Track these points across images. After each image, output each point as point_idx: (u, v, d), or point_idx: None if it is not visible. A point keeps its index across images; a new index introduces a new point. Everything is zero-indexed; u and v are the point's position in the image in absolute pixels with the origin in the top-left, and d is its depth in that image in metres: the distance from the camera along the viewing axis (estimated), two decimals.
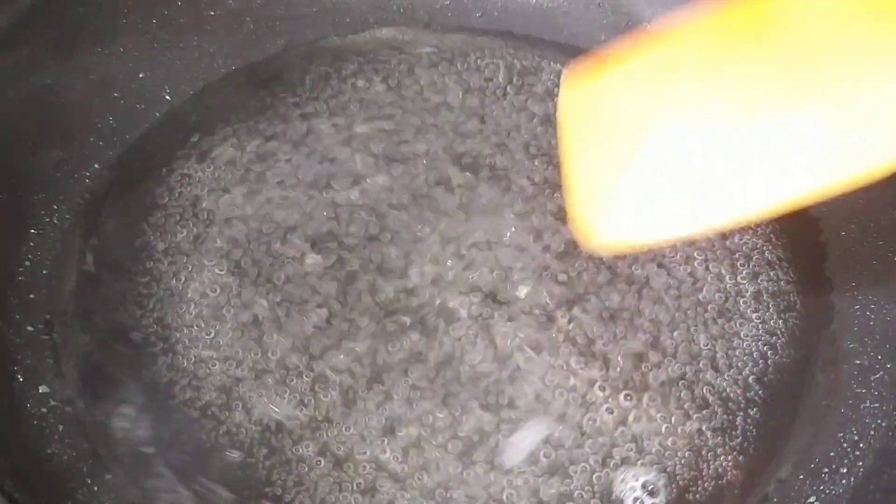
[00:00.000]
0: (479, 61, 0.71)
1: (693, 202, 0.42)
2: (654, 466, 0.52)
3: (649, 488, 0.51)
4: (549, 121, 0.67)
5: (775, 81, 0.40)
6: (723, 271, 0.60)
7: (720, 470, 0.52)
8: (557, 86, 0.69)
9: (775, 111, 0.40)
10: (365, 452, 0.52)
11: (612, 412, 0.53)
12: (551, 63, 0.71)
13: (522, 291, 0.58)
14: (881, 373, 0.55)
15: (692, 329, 0.57)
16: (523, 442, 0.52)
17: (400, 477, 0.51)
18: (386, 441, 0.52)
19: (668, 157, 0.42)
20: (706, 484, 0.52)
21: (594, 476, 0.51)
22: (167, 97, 0.68)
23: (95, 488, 0.50)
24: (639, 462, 0.52)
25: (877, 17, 0.39)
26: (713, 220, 0.42)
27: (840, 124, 0.39)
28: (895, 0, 0.38)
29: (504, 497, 0.51)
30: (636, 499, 0.51)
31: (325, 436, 0.52)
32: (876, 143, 0.39)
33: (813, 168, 0.39)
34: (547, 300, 0.57)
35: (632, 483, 0.51)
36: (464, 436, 0.52)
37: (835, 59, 0.39)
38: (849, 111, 0.39)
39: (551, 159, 0.64)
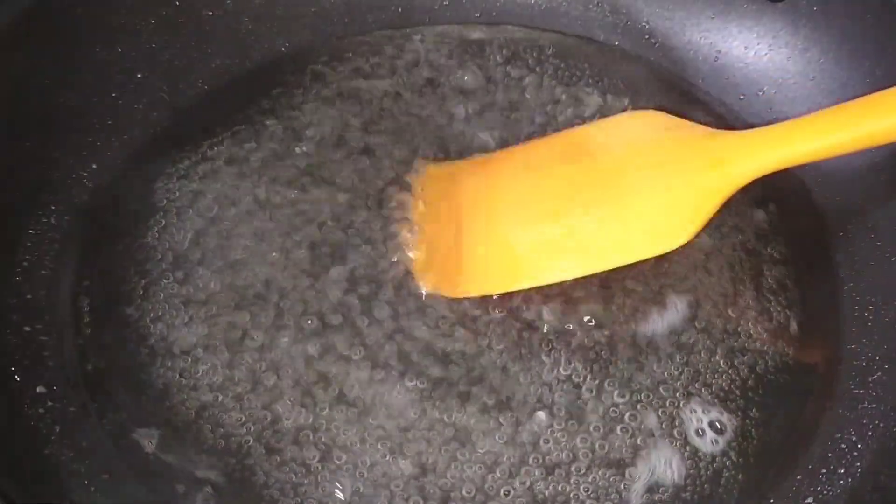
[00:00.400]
0: (477, 61, 0.71)
1: (512, 269, 0.56)
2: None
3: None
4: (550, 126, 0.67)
5: (575, 190, 0.57)
6: (723, 270, 0.60)
7: (717, 469, 0.52)
8: (559, 86, 0.70)
9: (572, 210, 0.56)
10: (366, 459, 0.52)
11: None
12: (550, 63, 0.71)
13: None
14: (879, 374, 0.55)
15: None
16: None
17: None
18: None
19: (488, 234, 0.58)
20: (703, 485, 0.52)
21: None
22: (165, 98, 0.68)
23: (93, 489, 0.50)
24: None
25: (645, 161, 0.56)
26: (525, 284, 0.56)
27: (617, 222, 0.54)
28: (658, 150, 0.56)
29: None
30: None
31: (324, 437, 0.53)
32: (642, 237, 0.53)
33: (598, 250, 0.54)
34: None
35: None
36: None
37: (616, 180, 0.55)
38: (624, 214, 0.54)
39: None
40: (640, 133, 0.59)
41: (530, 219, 0.57)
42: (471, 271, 0.57)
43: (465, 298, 0.58)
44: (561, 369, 0.55)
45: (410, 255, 0.60)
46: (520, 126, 0.67)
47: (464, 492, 0.51)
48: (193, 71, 0.69)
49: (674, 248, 0.53)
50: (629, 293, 0.58)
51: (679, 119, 0.59)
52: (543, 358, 0.55)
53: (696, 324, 0.57)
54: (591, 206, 0.55)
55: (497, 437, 0.53)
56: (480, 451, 0.52)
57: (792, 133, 0.52)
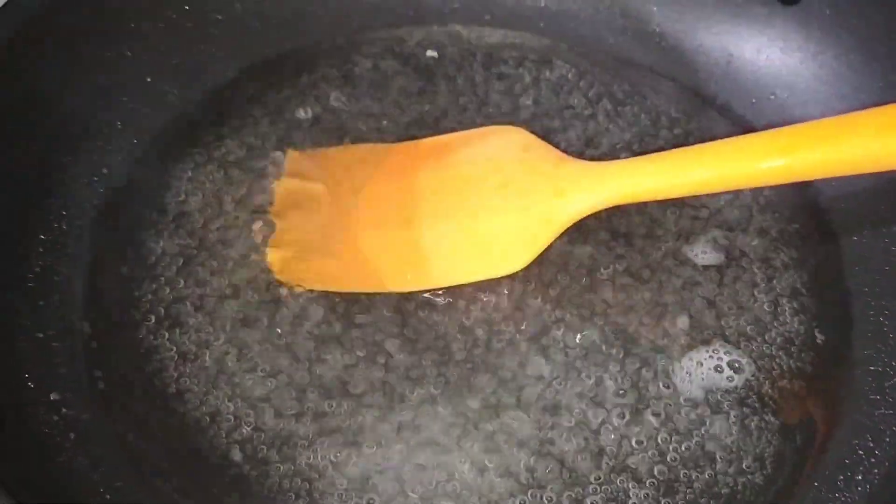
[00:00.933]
0: (487, 63, 0.71)
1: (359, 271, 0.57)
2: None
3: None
4: (561, 126, 0.67)
5: (430, 199, 0.57)
6: (740, 274, 0.60)
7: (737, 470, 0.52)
8: (567, 84, 0.69)
9: (422, 220, 0.57)
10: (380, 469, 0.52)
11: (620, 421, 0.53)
12: (561, 65, 0.71)
13: None
14: (895, 379, 0.55)
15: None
16: None
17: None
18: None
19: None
20: (723, 488, 0.52)
21: None
22: (175, 101, 0.68)
23: (108, 497, 0.50)
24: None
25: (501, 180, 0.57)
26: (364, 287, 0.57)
27: (463, 239, 0.55)
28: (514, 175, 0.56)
29: None
30: None
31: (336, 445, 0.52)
32: (481, 258, 0.55)
33: (440, 265, 0.55)
34: None
35: None
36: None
37: (470, 196, 0.57)
38: (470, 232, 0.55)
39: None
40: (501, 150, 0.59)
41: (382, 223, 0.58)
42: (323, 266, 0.58)
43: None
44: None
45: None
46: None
47: None
48: (202, 73, 0.69)
49: (507, 273, 0.54)
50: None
51: (538, 140, 0.59)
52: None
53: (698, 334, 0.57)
54: (441, 218, 0.56)
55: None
56: None
57: (637, 170, 0.52)
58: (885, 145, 0.45)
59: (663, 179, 0.51)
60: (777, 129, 0.49)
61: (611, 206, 0.54)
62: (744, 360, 0.56)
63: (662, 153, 0.52)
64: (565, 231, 0.55)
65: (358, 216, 0.59)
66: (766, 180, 0.50)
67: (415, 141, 0.64)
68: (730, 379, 0.55)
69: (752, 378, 0.55)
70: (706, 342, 0.57)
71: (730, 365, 0.56)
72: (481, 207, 0.56)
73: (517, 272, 0.55)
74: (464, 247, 0.56)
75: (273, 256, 0.59)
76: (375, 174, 0.62)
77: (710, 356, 0.56)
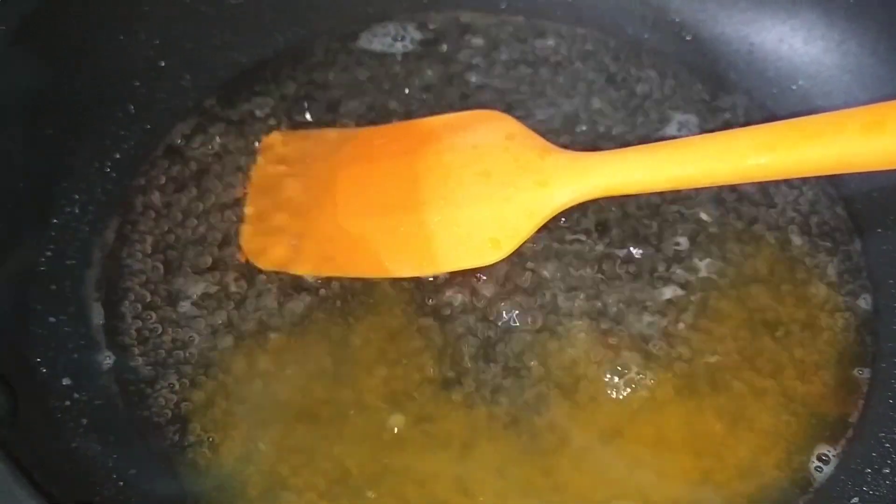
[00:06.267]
0: (509, 50, 0.70)
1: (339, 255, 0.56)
2: None
3: None
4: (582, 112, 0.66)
5: (411, 185, 0.56)
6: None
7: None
8: (583, 72, 0.69)
9: (401, 207, 0.56)
10: None
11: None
12: (577, 53, 0.70)
13: None
14: None
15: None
16: None
17: None
18: None
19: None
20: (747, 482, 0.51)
21: None
22: (188, 86, 0.67)
23: (121, 483, 0.49)
24: None
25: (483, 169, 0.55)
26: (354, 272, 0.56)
27: (443, 227, 0.54)
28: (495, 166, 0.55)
29: None
30: None
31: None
32: (463, 247, 0.54)
33: (420, 253, 0.54)
34: None
35: None
36: None
37: (452, 183, 0.55)
38: (452, 220, 0.54)
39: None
40: (484, 136, 0.58)
41: (362, 209, 0.57)
42: (295, 249, 0.57)
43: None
44: None
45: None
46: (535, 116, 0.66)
47: None
48: (216, 59, 0.69)
49: (488, 263, 0.54)
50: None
51: (523, 128, 0.58)
52: None
53: None
54: (421, 205, 0.55)
55: None
56: None
57: (620, 162, 0.52)
58: (870, 144, 0.44)
59: (647, 173, 0.50)
60: (763, 125, 0.48)
61: (594, 198, 0.53)
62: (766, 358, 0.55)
63: (647, 146, 0.51)
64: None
65: (337, 199, 0.58)
66: (753, 176, 0.49)
67: (398, 123, 0.63)
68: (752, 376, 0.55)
69: (777, 372, 0.55)
70: None
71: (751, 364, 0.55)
72: (462, 196, 0.55)
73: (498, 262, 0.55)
74: (443, 235, 0.55)
75: (246, 238, 0.59)
76: (356, 157, 0.61)
77: None
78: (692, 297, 0.57)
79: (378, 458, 0.51)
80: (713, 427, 0.53)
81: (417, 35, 0.71)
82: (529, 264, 0.58)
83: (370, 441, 0.51)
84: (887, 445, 0.51)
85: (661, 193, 0.61)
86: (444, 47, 0.70)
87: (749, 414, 0.53)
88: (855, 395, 0.54)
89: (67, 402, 0.51)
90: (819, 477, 0.51)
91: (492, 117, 0.60)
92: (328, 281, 0.57)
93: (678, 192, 0.61)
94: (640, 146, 0.52)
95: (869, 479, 0.50)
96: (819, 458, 0.52)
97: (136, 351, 0.55)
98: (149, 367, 0.54)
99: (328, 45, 0.71)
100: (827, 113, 0.46)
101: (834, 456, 0.52)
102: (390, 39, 0.71)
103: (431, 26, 0.71)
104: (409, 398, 0.53)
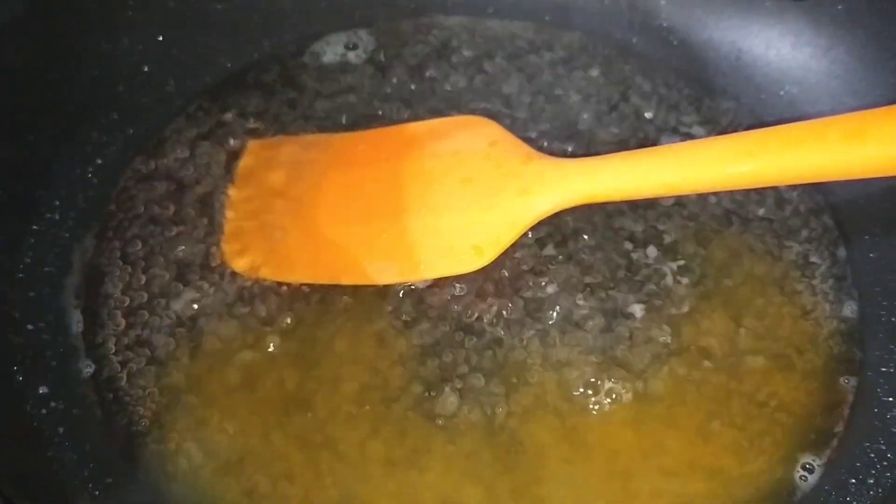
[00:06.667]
0: (495, 55, 0.70)
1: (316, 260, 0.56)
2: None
3: None
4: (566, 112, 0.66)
5: (393, 192, 0.56)
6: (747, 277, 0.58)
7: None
8: (568, 77, 0.68)
9: (384, 215, 0.55)
10: None
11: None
12: (563, 58, 0.69)
13: None
14: None
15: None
16: None
17: None
18: None
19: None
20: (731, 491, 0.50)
21: None
22: (172, 91, 0.66)
23: (97, 493, 0.49)
24: None
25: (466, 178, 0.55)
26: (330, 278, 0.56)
27: (426, 234, 0.54)
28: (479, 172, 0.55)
29: None
30: None
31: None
32: (445, 254, 0.54)
33: (401, 260, 0.54)
34: None
35: None
36: None
37: (434, 190, 0.55)
38: (434, 227, 0.54)
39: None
40: (466, 142, 0.58)
41: (344, 216, 0.57)
42: (278, 256, 0.57)
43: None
44: None
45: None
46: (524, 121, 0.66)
47: None
48: (201, 65, 0.68)
49: (470, 270, 0.53)
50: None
51: (506, 134, 0.58)
52: None
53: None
54: (403, 213, 0.55)
55: None
56: None
57: (602, 169, 0.51)
58: (851, 153, 0.43)
59: (629, 180, 0.50)
60: (744, 132, 0.48)
61: (577, 204, 0.52)
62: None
63: (630, 152, 0.51)
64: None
65: (319, 206, 0.58)
66: (735, 184, 0.49)
67: (380, 129, 0.63)
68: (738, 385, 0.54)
69: (763, 382, 0.54)
70: None
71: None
72: (445, 204, 0.55)
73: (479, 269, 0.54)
74: (425, 242, 0.54)
75: (227, 245, 0.58)
76: (338, 163, 0.60)
77: None
78: (676, 306, 0.56)
79: (359, 471, 0.51)
80: (696, 436, 0.52)
81: (403, 40, 0.70)
82: (512, 272, 0.57)
83: (350, 454, 0.51)
84: (872, 455, 0.51)
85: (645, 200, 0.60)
86: (431, 52, 0.70)
87: (733, 423, 0.52)
88: (841, 404, 0.54)
89: (44, 411, 0.51)
90: (803, 486, 0.51)
91: (475, 123, 0.60)
92: (311, 287, 0.56)
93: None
94: (623, 153, 0.52)
95: (853, 490, 0.50)
96: (804, 468, 0.51)
97: (116, 359, 0.54)
98: (128, 376, 0.54)
99: (314, 50, 0.70)
100: (808, 121, 0.46)
101: (819, 465, 0.52)
102: (376, 45, 0.70)
103: (417, 31, 0.71)
104: (387, 407, 0.52)
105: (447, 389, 0.53)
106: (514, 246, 0.54)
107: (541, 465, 0.51)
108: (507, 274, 0.57)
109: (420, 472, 0.50)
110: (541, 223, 0.54)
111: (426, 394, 0.53)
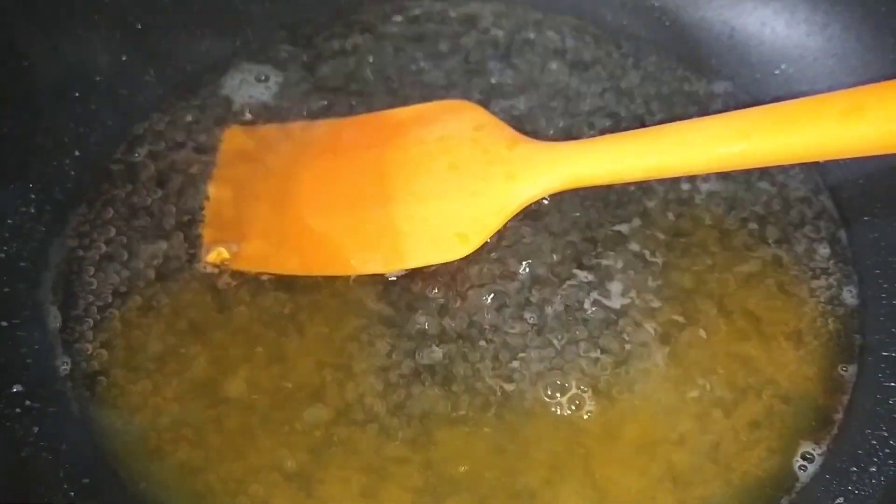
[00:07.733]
0: (485, 37, 0.68)
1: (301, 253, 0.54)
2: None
3: None
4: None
5: (377, 180, 0.55)
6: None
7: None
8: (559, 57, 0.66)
9: (368, 203, 0.54)
10: None
11: None
12: (554, 38, 0.68)
13: None
14: None
15: None
16: None
17: None
18: None
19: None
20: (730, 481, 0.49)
21: None
22: (151, 81, 0.65)
23: (72, 493, 0.47)
24: None
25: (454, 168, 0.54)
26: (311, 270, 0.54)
27: (412, 222, 0.53)
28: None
29: None
30: None
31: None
32: (431, 241, 0.52)
33: (388, 249, 0.53)
34: None
35: None
36: None
37: (419, 177, 0.54)
38: (421, 214, 0.53)
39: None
40: (452, 127, 0.57)
41: (327, 205, 0.55)
42: (259, 246, 0.55)
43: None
44: None
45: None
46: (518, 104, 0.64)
47: None
48: (181, 53, 0.66)
49: (455, 258, 0.52)
50: None
51: (492, 118, 0.56)
52: None
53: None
54: (388, 201, 0.54)
55: None
56: None
57: (591, 152, 0.50)
58: (849, 130, 0.42)
59: (618, 162, 0.48)
60: (738, 111, 0.46)
61: (564, 189, 0.51)
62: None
63: (618, 134, 0.50)
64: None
65: (302, 195, 0.56)
66: (728, 165, 0.47)
67: (364, 115, 0.61)
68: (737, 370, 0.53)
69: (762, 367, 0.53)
70: None
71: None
72: (430, 190, 0.53)
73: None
74: (410, 231, 0.53)
75: (208, 237, 0.57)
76: (321, 151, 0.59)
77: None
78: (674, 290, 0.55)
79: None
80: (694, 425, 0.51)
81: (388, 26, 0.69)
82: (500, 259, 0.56)
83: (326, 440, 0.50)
84: (874, 442, 0.49)
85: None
86: (422, 36, 0.68)
87: (732, 412, 0.51)
88: (840, 391, 0.52)
89: (18, 410, 0.49)
90: (803, 476, 0.50)
91: (461, 107, 0.58)
92: (294, 278, 0.55)
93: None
94: (611, 135, 0.50)
95: (854, 478, 0.48)
96: (803, 457, 0.50)
97: (94, 356, 0.53)
98: (107, 373, 0.52)
99: (294, 39, 0.69)
100: (804, 98, 0.44)
101: (819, 454, 0.50)
102: (357, 32, 0.69)
103: (404, 16, 0.69)
104: (374, 397, 0.51)
105: (432, 378, 0.52)
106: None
107: (532, 467, 0.50)
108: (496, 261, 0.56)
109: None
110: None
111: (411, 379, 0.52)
